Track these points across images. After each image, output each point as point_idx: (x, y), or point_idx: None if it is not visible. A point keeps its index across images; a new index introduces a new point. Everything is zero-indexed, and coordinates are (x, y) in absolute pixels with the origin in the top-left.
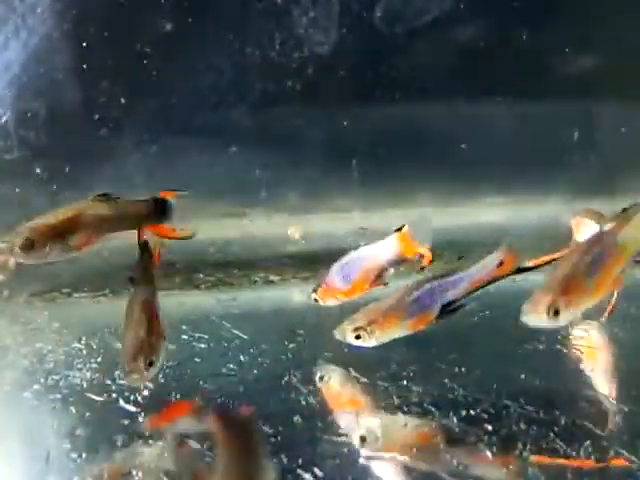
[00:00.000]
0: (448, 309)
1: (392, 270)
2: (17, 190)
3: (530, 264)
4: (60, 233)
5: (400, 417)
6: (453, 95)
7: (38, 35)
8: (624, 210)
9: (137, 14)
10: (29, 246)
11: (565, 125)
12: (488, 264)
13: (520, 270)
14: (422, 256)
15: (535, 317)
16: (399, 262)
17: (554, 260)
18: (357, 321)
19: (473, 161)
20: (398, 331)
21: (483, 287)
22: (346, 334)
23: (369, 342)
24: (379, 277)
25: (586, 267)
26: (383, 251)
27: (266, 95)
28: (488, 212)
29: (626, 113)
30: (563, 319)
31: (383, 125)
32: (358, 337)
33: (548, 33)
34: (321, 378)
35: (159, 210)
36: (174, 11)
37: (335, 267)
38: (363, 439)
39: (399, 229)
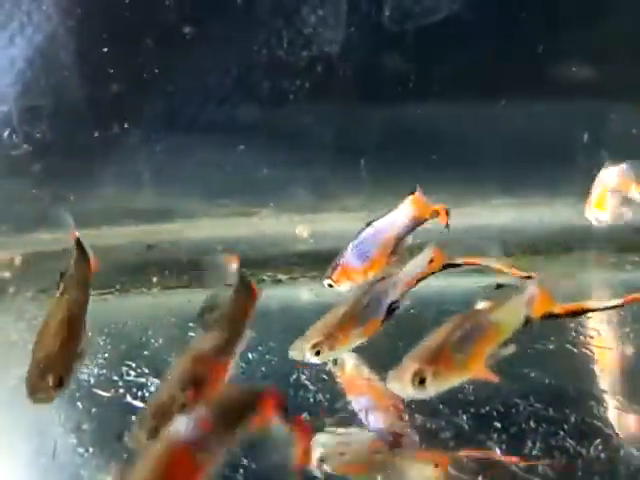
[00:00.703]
0: (390, 310)
1: (409, 240)
2: (21, 187)
3: (459, 261)
4: None
5: None
6: (463, 95)
7: (42, 31)
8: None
9: (144, 11)
10: None
11: (575, 126)
12: (420, 262)
13: (447, 266)
14: (438, 214)
15: (400, 385)
16: (415, 226)
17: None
18: (313, 337)
19: (482, 162)
20: (355, 340)
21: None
22: (304, 352)
23: (328, 356)
24: (395, 250)
25: (457, 341)
26: (398, 218)
27: (275, 93)
28: (496, 213)
29: (637, 114)
30: (429, 389)
31: (392, 125)
32: (318, 353)
33: (559, 33)
34: (335, 363)
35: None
36: (182, 8)
37: (350, 246)
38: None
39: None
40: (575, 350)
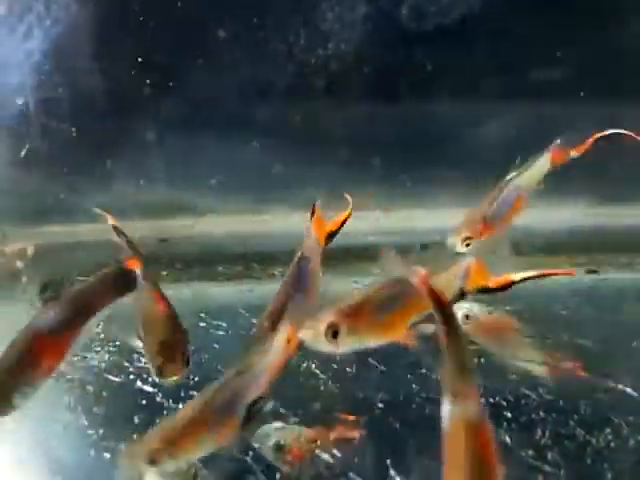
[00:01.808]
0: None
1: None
2: (34, 180)
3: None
4: None
5: None
6: (478, 94)
7: (60, 23)
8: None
9: (160, 6)
10: None
11: (583, 128)
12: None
13: None
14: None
15: (313, 335)
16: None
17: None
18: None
19: (494, 162)
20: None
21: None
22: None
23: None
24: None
25: (380, 302)
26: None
27: (288, 91)
28: None
29: None
30: (342, 344)
31: (405, 124)
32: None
33: (568, 33)
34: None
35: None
36: (198, 4)
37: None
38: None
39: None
40: (585, 344)
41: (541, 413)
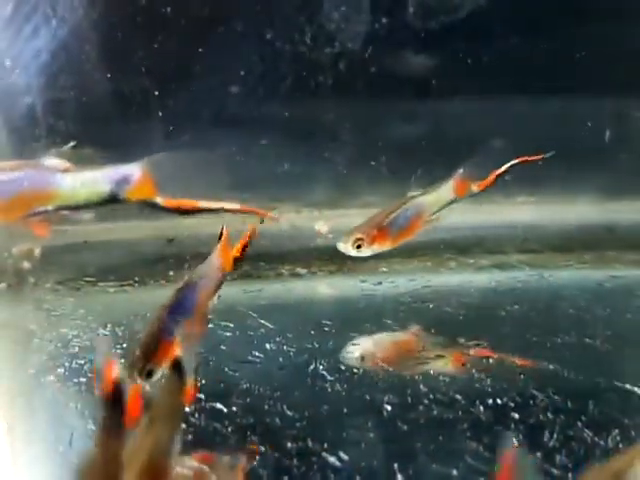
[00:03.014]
0: None
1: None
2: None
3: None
4: None
5: None
6: (485, 91)
7: (67, 23)
8: None
9: (168, 4)
10: None
11: (598, 123)
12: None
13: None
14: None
15: (345, 246)
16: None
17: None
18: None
19: (503, 159)
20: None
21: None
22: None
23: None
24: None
25: (392, 220)
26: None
27: (297, 88)
28: (519, 211)
29: None
30: (364, 252)
31: (414, 121)
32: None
33: (581, 29)
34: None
35: None
36: (205, 1)
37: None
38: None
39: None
40: (594, 343)
41: (549, 414)
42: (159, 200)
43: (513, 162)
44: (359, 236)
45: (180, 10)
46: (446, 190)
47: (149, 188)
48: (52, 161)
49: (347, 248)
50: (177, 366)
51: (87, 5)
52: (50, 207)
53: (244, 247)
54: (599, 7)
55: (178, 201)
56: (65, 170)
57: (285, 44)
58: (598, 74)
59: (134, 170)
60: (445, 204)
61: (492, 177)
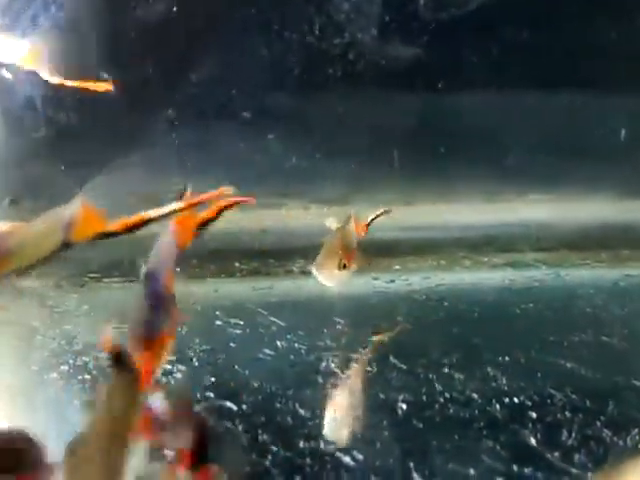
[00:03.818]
0: None
1: None
2: (46, 172)
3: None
4: None
5: None
6: (499, 87)
7: (68, 14)
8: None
9: None
10: None
11: (613, 121)
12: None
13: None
14: None
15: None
16: None
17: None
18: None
19: (518, 156)
20: None
21: None
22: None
23: None
24: None
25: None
26: None
27: (306, 82)
28: (532, 209)
29: None
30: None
31: (426, 117)
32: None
33: (597, 25)
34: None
35: None
36: None
37: None
38: None
39: None
40: (611, 342)
41: (567, 413)
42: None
43: (380, 211)
44: (339, 257)
45: (185, 2)
46: (349, 230)
47: (97, 220)
48: None
49: (332, 274)
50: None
51: None
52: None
53: (205, 221)
54: (617, 1)
55: (125, 221)
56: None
57: (293, 35)
58: (615, 72)
59: (75, 209)
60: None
61: (367, 222)
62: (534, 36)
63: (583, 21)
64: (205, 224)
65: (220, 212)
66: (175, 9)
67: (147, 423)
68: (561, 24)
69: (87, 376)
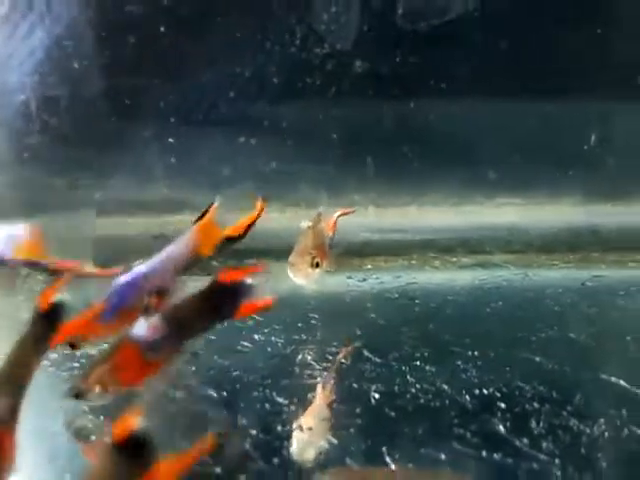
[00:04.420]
0: None
1: None
2: (35, 176)
3: None
4: None
5: None
6: (469, 94)
7: (60, 21)
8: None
9: (158, 3)
10: None
11: (582, 126)
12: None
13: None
14: None
15: (301, 269)
16: None
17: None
18: None
19: (488, 160)
20: None
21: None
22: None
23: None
24: None
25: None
26: None
27: (284, 89)
28: (502, 212)
29: None
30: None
31: (400, 122)
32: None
33: (566, 32)
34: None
35: None
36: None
37: None
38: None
39: None
40: (578, 338)
41: (535, 404)
42: (45, 261)
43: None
44: (311, 256)
45: (170, 9)
46: (320, 229)
47: (37, 248)
48: None
49: (305, 272)
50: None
51: None
52: None
53: (244, 230)
54: (585, 11)
55: (63, 264)
56: None
57: (275, 45)
58: (584, 77)
59: (21, 230)
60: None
61: (334, 219)
62: (504, 44)
63: (553, 29)
64: (232, 239)
65: (248, 230)
66: (156, 18)
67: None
68: (531, 32)
69: (76, 364)
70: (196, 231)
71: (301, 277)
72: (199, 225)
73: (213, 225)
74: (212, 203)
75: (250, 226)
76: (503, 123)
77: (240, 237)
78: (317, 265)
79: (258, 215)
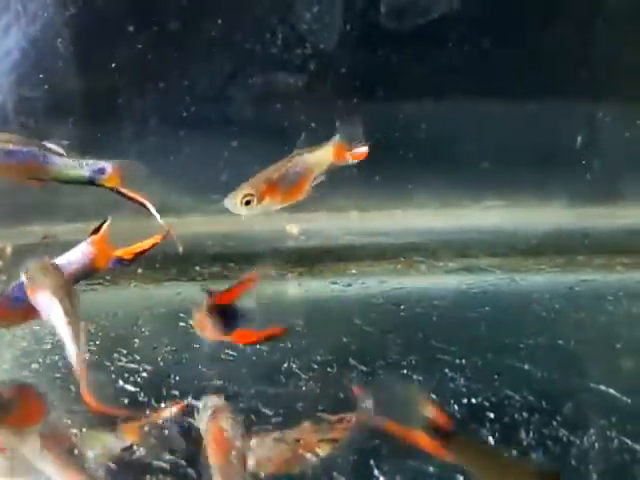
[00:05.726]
0: None
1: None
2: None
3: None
4: None
5: None
6: (454, 95)
7: (38, 21)
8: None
9: (139, 5)
10: None
11: (568, 128)
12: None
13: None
14: None
15: (233, 204)
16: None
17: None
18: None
19: (473, 163)
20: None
21: None
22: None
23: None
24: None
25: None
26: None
27: (267, 90)
28: (487, 215)
29: (630, 117)
30: (254, 209)
31: (383, 124)
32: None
33: (551, 33)
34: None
35: None
36: (177, 3)
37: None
38: None
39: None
40: (566, 345)
41: (524, 413)
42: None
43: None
44: (248, 192)
45: (151, 10)
46: (327, 152)
47: (118, 180)
48: (51, 145)
49: (235, 206)
50: None
51: None
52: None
53: (138, 252)
54: (570, 11)
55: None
56: (59, 154)
57: (256, 45)
58: (570, 79)
59: (108, 165)
60: (326, 166)
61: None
62: (490, 44)
63: (539, 29)
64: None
65: (138, 255)
66: (137, 19)
67: None
68: (517, 32)
69: (58, 374)
70: (91, 244)
71: (235, 207)
72: (94, 239)
73: (106, 242)
74: (105, 220)
75: (142, 253)
76: (489, 125)
77: (129, 261)
78: (247, 203)
79: (154, 244)
